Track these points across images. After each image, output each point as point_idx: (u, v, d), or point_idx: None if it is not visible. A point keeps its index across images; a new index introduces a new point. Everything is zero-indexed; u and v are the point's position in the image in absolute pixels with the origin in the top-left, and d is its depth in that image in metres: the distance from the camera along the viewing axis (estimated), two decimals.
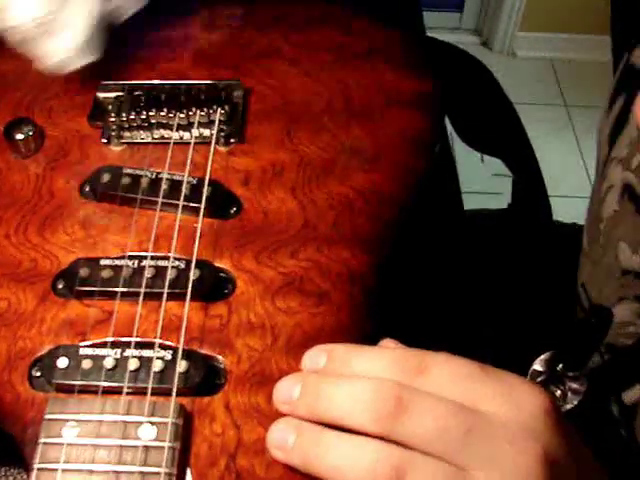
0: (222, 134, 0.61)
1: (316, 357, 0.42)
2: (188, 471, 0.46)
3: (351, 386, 0.39)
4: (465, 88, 0.85)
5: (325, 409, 0.40)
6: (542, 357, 0.67)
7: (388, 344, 0.44)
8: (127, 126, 0.62)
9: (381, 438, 0.37)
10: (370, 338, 0.53)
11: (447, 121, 0.86)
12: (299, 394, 0.43)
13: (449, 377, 0.37)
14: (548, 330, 0.77)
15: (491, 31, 2.23)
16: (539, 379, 0.67)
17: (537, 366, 0.68)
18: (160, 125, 0.62)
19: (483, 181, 1.87)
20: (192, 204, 0.56)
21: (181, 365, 0.48)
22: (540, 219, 0.87)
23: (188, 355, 0.49)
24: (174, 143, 0.61)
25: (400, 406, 0.36)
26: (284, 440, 0.42)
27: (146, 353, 0.49)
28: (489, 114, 0.89)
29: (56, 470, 0.44)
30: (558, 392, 0.66)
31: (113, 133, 0.62)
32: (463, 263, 0.65)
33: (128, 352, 0.49)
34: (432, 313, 0.61)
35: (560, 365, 0.66)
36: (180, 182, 0.58)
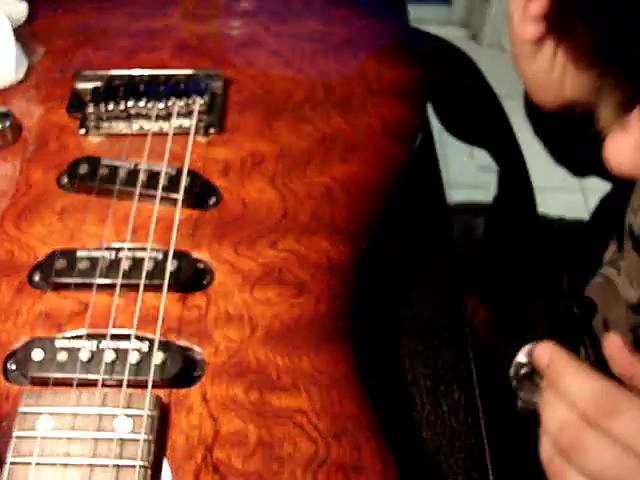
0: (201, 124, 0.61)
1: (542, 355, 0.47)
2: (164, 464, 0.45)
3: (549, 409, 0.45)
4: (449, 79, 0.84)
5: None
6: (526, 348, 0.67)
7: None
8: (106, 117, 0.61)
9: None
10: (348, 329, 0.53)
11: (432, 114, 0.85)
12: None
13: (630, 423, 0.42)
14: (532, 321, 0.77)
15: (479, 24, 2.22)
16: (523, 370, 0.66)
17: (521, 357, 0.67)
18: (139, 116, 0.61)
19: (470, 174, 1.86)
20: (170, 195, 0.56)
21: (157, 357, 0.48)
22: (524, 211, 0.87)
23: (165, 347, 0.49)
24: (153, 134, 0.60)
25: (572, 445, 0.43)
26: None
27: (122, 345, 0.49)
28: (473, 105, 0.88)
29: (29, 464, 0.44)
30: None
31: (91, 124, 0.61)
32: (446, 255, 0.65)
33: (104, 344, 0.49)
34: (412, 305, 0.61)
35: None
36: (158, 173, 0.57)
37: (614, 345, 0.47)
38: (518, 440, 0.58)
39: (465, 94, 0.88)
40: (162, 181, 0.56)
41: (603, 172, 0.48)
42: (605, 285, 0.69)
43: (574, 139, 0.63)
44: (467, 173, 1.88)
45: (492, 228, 0.92)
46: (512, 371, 0.62)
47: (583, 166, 0.72)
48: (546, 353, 0.46)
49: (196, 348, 0.50)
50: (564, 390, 0.44)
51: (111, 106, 0.61)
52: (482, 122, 0.89)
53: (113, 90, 0.62)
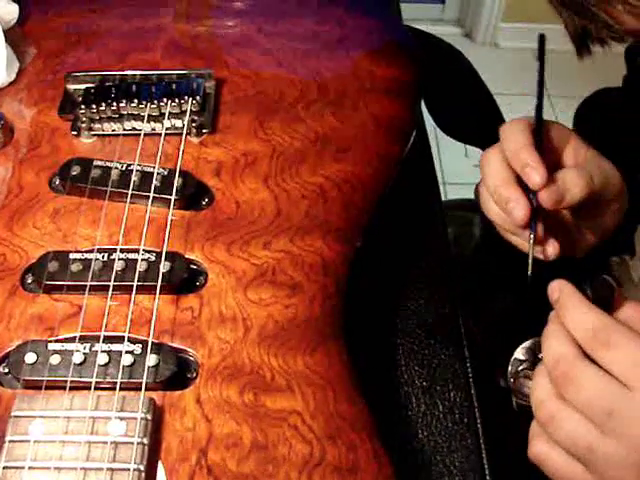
0: (194, 125, 0.60)
1: (554, 289, 0.48)
2: (159, 466, 0.45)
3: (548, 344, 0.47)
4: (443, 77, 0.84)
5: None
6: (524, 345, 0.67)
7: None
8: (97, 118, 0.61)
9: None
10: (343, 329, 0.53)
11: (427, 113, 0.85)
12: None
13: (623, 357, 0.44)
14: (530, 317, 0.76)
15: (473, 22, 2.22)
16: (521, 367, 0.66)
17: (519, 354, 0.67)
18: (131, 116, 0.61)
19: (466, 173, 1.86)
20: (163, 195, 0.56)
21: (150, 359, 0.48)
22: None
23: (158, 349, 0.48)
24: (145, 134, 0.60)
25: (565, 378, 0.44)
26: None
27: (115, 347, 0.48)
28: (467, 102, 0.88)
29: (23, 468, 0.43)
30: None
31: (83, 125, 0.61)
32: (441, 253, 0.65)
33: (97, 346, 0.48)
34: (407, 304, 0.61)
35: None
36: (151, 174, 0.57)
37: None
38: (515, 439, 0.58)
39: (459, 92, 0.88)
40: (154, 182, 0.56)
41: None
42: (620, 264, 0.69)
43: None
44: (463, 172, 1.88)
45: (488, 225, 0.91)
46: (510, 368, 0.62)
47: None
48: (558, 288, 0.48)
49: (190, 350, 0.49)
50: (565, 321, 0.46)
51: (103, 107, 0.61)
52: (476, 120, 0.89)
53: (105, 91, 0.62)
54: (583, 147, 0.56)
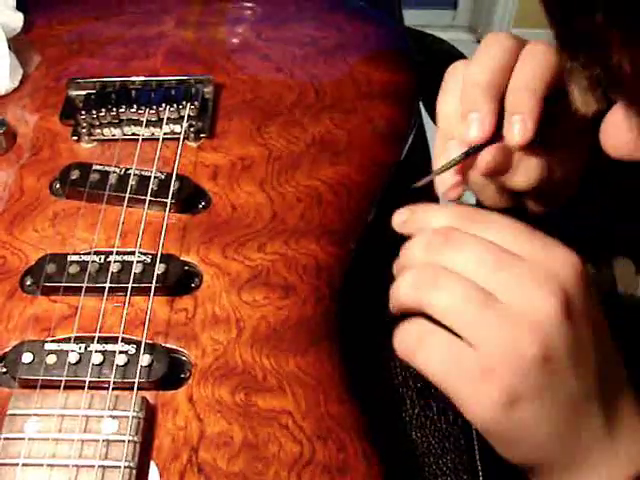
0: (192, 130, 0.61)
1: (401, 214, 0.47)
2: (151, 464, 0.46)
3: (409, 245, 0.45)
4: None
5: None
6: None
7: None
8: (98, 123, 0.62)
9: None
10: (336, 330, 0.53)
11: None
12: None
13: (496, 227, 0.42)
14: None
15: (485, 28, 2.22)
16: None
17: None
18: (130, 122, 0.62)
19: None
20: (159, 199, 0.56)
21: (144, 359, 0.48)
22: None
23: (151, 349, 0.49)
24: (144, 139, 0.61)
25: (444, 243, 0.42)
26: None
27: (110, 347, 0.49)
28: None
29: (17, 465, 0.44)
30: None
31: (84, 130, 0.62)
32: None
33: (92, 347, 0.49)
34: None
35: None
36: (148, 177, 0.57)
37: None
38: None
39: None
40: (151, 186, 0.57)
41: None
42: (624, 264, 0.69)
43: None
44: None
45: None
46: None
47: None
48: (403, 210, 0.47)
49: (183, 350, 0.50)
50: (429, 220, 0.44)
51: (102, 112, 0.62)
52: None
53: (105, 97, 0.63)
54: None
